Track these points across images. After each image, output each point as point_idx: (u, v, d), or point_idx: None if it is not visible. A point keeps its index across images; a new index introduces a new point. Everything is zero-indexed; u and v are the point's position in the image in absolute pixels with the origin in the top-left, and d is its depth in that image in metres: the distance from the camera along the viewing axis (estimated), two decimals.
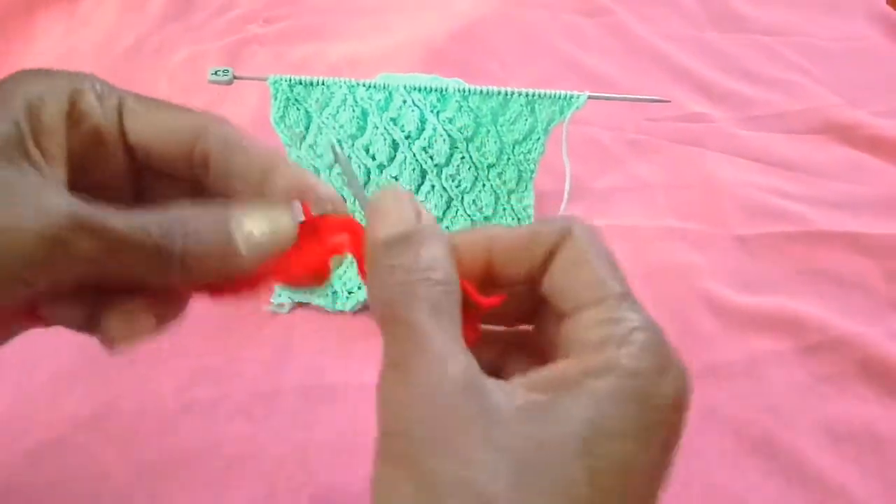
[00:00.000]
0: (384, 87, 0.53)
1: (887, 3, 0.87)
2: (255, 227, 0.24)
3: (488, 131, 0.55)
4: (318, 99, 0.54)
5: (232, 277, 0.24)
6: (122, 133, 0.26)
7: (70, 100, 0.24)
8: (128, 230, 0.22)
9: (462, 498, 0.18)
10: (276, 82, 0.53)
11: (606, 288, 0.22)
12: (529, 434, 0.19)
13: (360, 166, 0.55)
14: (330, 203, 0.26)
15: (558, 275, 0.24)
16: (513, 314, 0.26)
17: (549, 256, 0.24)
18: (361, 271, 0.24)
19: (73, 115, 0.24)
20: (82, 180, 0.24)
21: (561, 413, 0.20)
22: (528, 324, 0.26)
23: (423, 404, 0.20)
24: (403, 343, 0.21)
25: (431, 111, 0.54)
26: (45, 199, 0.21)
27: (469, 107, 0.54)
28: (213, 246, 0.23)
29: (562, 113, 0.54)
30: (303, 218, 0.25)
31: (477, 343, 0.24)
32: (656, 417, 0.20)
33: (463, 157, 0.55)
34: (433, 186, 0.55)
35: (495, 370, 0.25)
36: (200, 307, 0.26)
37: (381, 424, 0.21)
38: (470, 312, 0.23)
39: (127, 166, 0.26)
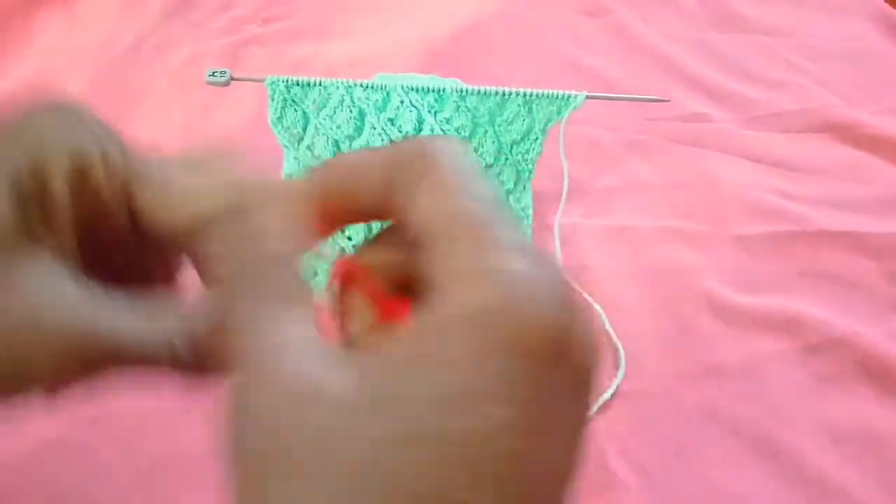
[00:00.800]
0: (381, 88, 0.53)
1: (887, 3, 0.87)
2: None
3: (486, 131, 0.55)
4: (315, 100, 0.54)
5: None
6: (128, 197, 0.23)
7: (73, 159, 0.22)
8: (145, 347, 0.21)
9: None
10: (273, 83, 0.53)
11: (474, 214, 0.18)
12: (367, 429, 0.16)
13: None
14: None
15: (421, 202, 0.19)
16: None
17: (409, 184, 0.20)
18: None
19: (73, 177, 0.22)
20: (88, 247, 0.23)
21: (405, 392, 0.16)
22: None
23: (248, 431, 0.17)
24: (233, 356, 0.19)
25: (429, 111, 0.53)
26: (60, 306, 0.21)
27: (466, 107, 0.54)
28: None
29: (559, 113, 0.54)
30: None
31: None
32: (524, 364, 0.16)
33: None
34: None
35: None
36: None
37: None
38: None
39: (130, 230, 0.24)
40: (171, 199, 0.23)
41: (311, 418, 0.16)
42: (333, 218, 0.21)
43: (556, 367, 0.17)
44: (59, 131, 0.22)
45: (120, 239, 0.24)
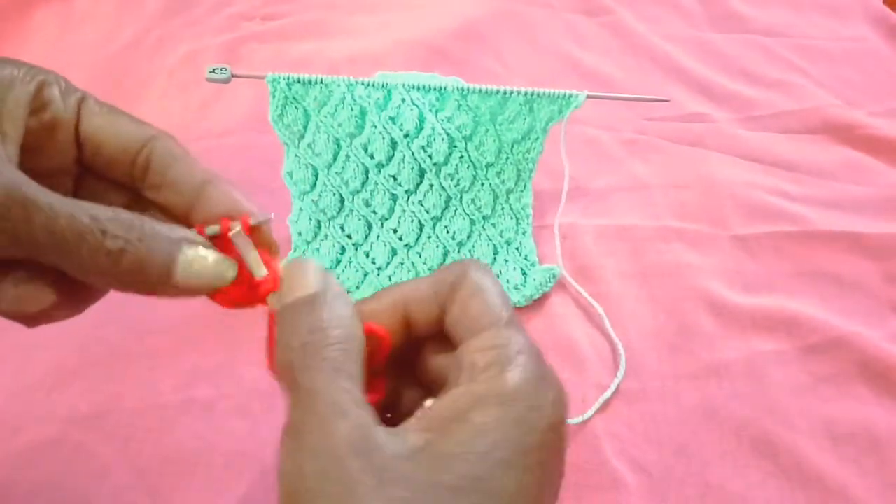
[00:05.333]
0: (383, 86, 0.53)
1: (885, 4, 0.87)
2: (199, 265, 0.25)
3: (487, 130, 0.55)
4: (316, 97, 0.53)
5: (154, 294, 0.25)
6: (77, 128, 0.27)
7: (36, 88, 0.25)
8: (72, 219, 0.22)
9: None
10: (274, 80, 0.53)
11: (494, 315, 0.25)
12: (421, 478, 0.20)
13: (358, 165, 0.55)
14: (260, 224, 0.27)
15: (456, 309, 0.26)
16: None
17: (451, 296, 0.26)
18: (271, 338, 0.25)
19: (36, 103, 0.25)
20: (30, 166, 0.25)
21: (449, 451, 0.21)
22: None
23: (313, 471, 0.21)
24: (298, 408, 0.22)
25: (430, 110, 0.53)
26: None
27: (468, 106, 0.54)
28: (153, 264, 0.24)
29: (560, 112, 0.54)
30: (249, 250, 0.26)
31: (385, 391, 0.26)
32: (536, 439, 0.22)
33: (462, 156, 0.55)
34: (431, 185, 0.55)
35: (391, 405, 0.28)
36: (199, 306, 0.26)
37: (279, 491, 0.22)
38: (378, 361, 0.26)
39: (73, 161, 0.27)
40: (119, 121, 0.27)
41: (370, 463, 0.20)
42: (396, 334, 0.26)
43: (554, 441, 0.23)
44: (27, 65, 0.25)
45: (61, 165, 0.27)
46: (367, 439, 0.21)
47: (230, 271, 0.25)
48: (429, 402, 0.25)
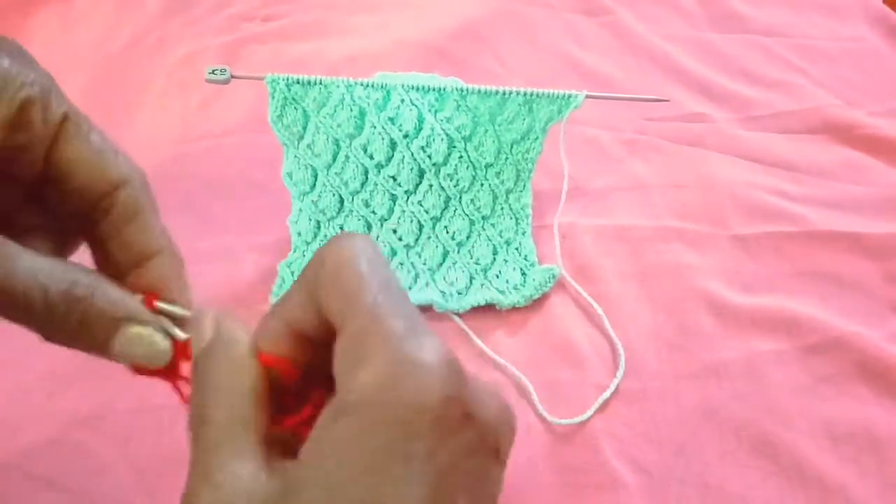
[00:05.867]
0: (382, 87, 0.53)
1: (885, 3, 0.87)
2: (134, 347, 0.25)
3: (486, 130, 0.55)
4: (315, 98, 0.53)
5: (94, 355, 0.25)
6: (50, 150, 0.25)
7: (19, 107, 0.24)
8: (25, 280, 0.22)
9: None
10: (273, 81, 0.53)
11: (352, 303, 0.21)
12: None
13: (357, 166, 0.55)
14: (178, 307, 0.26)
15: (327, 305, 0.22)
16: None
17: (318, 291, 0.23)
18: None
19: (14, 122, 0.24)
20: None
21: (304, 483, 0.19)
22: None
23: None
24: (190, 476, 0.21)
25: (429, 110, 0.53)
26: None
27: (467, 106, 0.54)
28: (95, 334, 0.24)
29: (560, 112, 0.54)
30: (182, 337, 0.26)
31: (317, 402, 0.24)
32: (409, 444, 0.18)
33: (461, 157, 0.55)
34: (431, 186, 0.55)
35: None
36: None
37: None
38: (292, 385, 0.24)
39: (36, 175, 0.26)
40: (95, 156, 0.25)
41: None
42: (299, 354, 0.24)
43: (451, 434, 0.19)
44: (14, 66, 0.24)
45: (29, 182, 0.26)
46: (231, 496, 0.20)
47: (164, 356, 0.25)
48: None
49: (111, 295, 0.24)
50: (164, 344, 0.25)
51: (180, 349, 0.26)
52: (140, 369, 0.26)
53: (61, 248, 0.28)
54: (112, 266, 0.26)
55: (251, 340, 0.24)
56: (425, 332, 0.20)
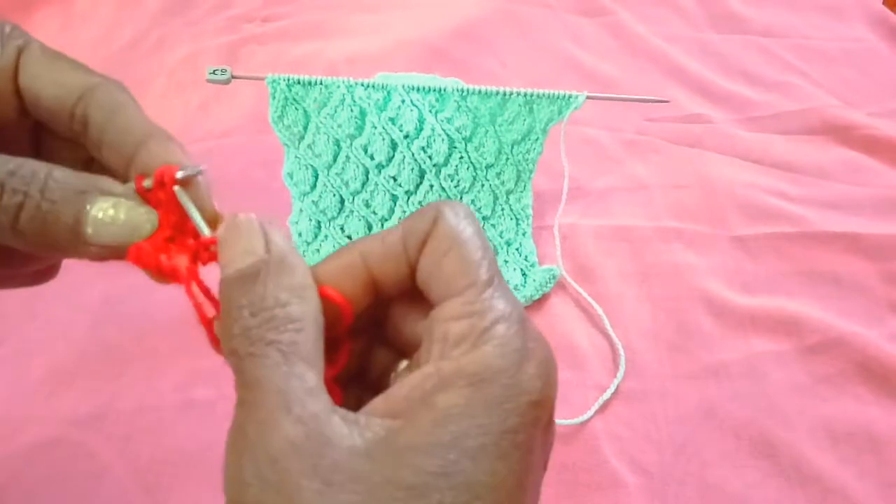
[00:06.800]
0: (382, 87, 0.53)
1: (884, 4, 0.87)
2: (109, 212, 0.22)
3: (487, 131, 0.55)
4: (316, 98, 0.53)
5: (71, 256, 0.22)
6: (16, 77, 0.24)
7: None
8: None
9: None
10: (274, 82, 0.53)
11: (471, 275, 0.21)
12: (375, 477, 0.18)
13: (358, 166, 0.55)
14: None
15: (426, 265, 0.22)
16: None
17: (422, 250, 0.22)
18: (200, 313, 0.22)
19: None
20: None
21: (410, 442, 0.18)
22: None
23: (253, 476, 0.18)
24: (241, 404, 0.20)
25: (430, 111, 0.53)
26: None
27: (467, 107, 0.54)
28: (58, 220, 0.21)
29: (560, 113, 0.54)
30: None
31: (349, 357, 0.23)
32: (515, 421, 0.19)
33: (461, 157, 0.55)
34: (431, 186, 0.55)
35: (361, 369, 0.25)
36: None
37: (225, 495, 0.19)
38: (339, 330, 0.22)
39: (19, 114, 0.25)
40: (51, 68, 0.24)
41: (316, 464, 0.18)
42: (360, 296, 0.23)
43: (537, 421, 0.20)
44: None
45: (5, 119, 0.25)
46: (316, 436, 0.18)
47: (147, 225, 0.22)
48: (403, 364, 0.23)
49: (72, 174, 0.22)
50: (142, 211, 0.22)
51: (202, 246, 0.22)
52: (160, 274, 0.22)
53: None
54: (114, 177, 0.24)
55: (313, 269, 0.22)
56: (530, 321, 0.21)
